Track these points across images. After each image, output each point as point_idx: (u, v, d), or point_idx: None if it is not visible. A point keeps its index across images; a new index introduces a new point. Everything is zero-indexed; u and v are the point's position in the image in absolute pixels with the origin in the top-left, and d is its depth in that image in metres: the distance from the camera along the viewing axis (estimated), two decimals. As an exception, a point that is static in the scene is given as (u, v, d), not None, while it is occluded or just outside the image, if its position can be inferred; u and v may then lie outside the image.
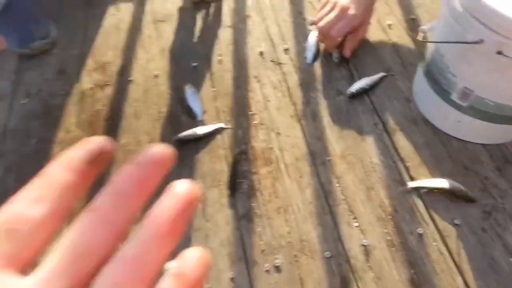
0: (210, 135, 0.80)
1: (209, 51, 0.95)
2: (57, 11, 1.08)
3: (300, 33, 0.96)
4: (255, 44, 0.95)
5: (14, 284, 0.13)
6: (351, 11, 0.81)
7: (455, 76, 0.65)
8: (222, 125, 0.81)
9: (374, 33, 0.93)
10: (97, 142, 0.16)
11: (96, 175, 0.15)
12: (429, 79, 0.73)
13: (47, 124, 0.87)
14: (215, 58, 0.93)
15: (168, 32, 1.01)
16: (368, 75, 0.84)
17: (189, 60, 0.94)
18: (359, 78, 0.85)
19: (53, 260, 0.13)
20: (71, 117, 0.87)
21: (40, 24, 0.97)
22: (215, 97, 0.87)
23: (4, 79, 0.96)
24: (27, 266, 0.13)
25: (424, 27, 0.69)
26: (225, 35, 0.98)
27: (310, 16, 0.99)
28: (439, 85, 0.70)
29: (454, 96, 0.68)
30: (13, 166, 0.81)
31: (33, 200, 0.14)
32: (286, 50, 0.93)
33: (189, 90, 0.85)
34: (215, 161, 0.77)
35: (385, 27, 0.94)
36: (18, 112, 0.90)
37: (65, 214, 0.14)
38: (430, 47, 0.71)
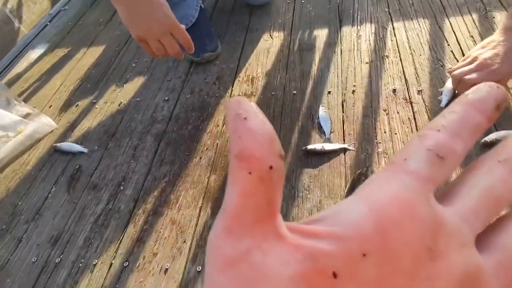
0: (334, 153, 0.89)
1: (344, 81, 1.06)
2: (224, 32, 1.35)
3: (437, 77, 0.99)
4: (389, 81, 1.02)
5: (440, 209, 0.14)
6: (493, 67, 0.82)
7: None
8: (346, 146, 0.89)
9: (519, 89, 0.91)
10: (503, 92, 0.16)
11: (493, 122, 0.16)
12: None
13: (202, 116, 1.08)
14: (349, 88, 1.04)
15: (310, 59, 1.16)
16: (509, 127, 0.83)
17: (325, 86, 1.06)
18: (496, 129, 0.84)
19: (471, 199, 0.15)
20: (220, 115, 1.07)
21: (212, 40, 1.23)
22: (344, 121, 0.96)
23: (177, 78, 1.22)
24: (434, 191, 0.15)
25: None
26: (362, 69, 1.08)
27: (449, 64, 1.02)
28: None
29: None
30: (172, 142, 1.03)
31: (454, 134, 0.15)
32: (419, 91, 0.97)
33: (321, 110, 0.97)
34: (335, 176, 0.85)
35: (534, 85, 0.91)
36: (182, 103, 1.14)
37: (466, 153, 0.15)
38: None
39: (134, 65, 1.32)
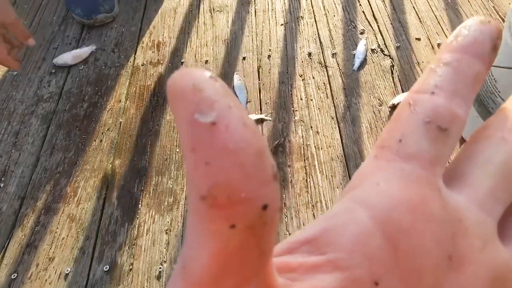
0: (251, 124, 0.83)
1: (260, 45, 0.99)
2: (121, -11, 1.15)
3: (350, 40, 0.98)
4: (305, 44, 0.98)
5: (454, 200, 0.12)
6: None
7: (504, 101, 0.66)
8: (263, 116, 0.84)
9: (423, 50, 0.94)
10: (497, 26, 0.13)
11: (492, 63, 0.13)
12: (476, 101, 0.74)
13: (100, 91, 0.93)
14: (265, 52, 0.97)
15: (222, 22, 1.05)
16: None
17: (239, 51, 0.98)
18: (403, 91, 0.86)
19: (486, 179, 0.13)
20: (122, 88, 0.93)
21: (106, -1, 1.04)
22: (260, 89, 0.90)
23: (66, 45, 1.02)
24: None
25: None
26: (277, 32, 1.01)
27: (361, 25, 1.01)
28: (486, 108, 0.70)
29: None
30: (64, 124, 0.87)
31: (451, 93, 0.12)
32: (334, 54, 0.95)
33: (236, 79, 0.89)
34: (253, 149, 0.80)
35: (435, 45, 0.95)
36: (74, 76, 0.96)
37: (468, 114, 0.13)
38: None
39: (6, 29, 1.07)
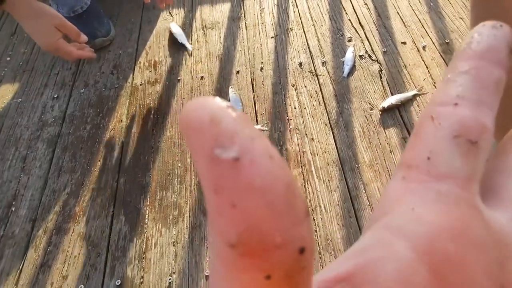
0: (248, 135, 0.87)
1: (252, 58, 1.03)
2: (116, 13, 1.20)
3: (338, 48, 1.02)
4: (295, 55, 1.02)
5: (496, 221, 0.11)
6: None
7: None
8: (260, 127, 0.87)
9: (409, 53, 0.98)
10: (509, 29, 0.12)
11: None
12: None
13: (101, 113, 0.96)
14: (257, 65, 1.01)
15: (215, 38, 1.09)
16: (401, 92, 0.89)
17: (232, 65, 1.02)
18: (392, 94, 0.90)
19: None
20: (122, 108, 0.96)
21: (102, 23, 1.08)
22: (255, 101, 0.94)
23: (67, 70, 1.06)
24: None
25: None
26: (268, 44, 1.05)
27: (348, 33, 1.05)
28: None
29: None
30: (69, 146, 0.91)
31: (476, 103, 0.11)
32: (323, 63, 0.99)
33: (231, 92, 0.93)
34: (251, 159, 0.83)
35: (420, 48, 0.99)
36: (76, 100, 1.00)
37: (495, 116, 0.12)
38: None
39: (8, 58, 1.11)
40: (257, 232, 0.07)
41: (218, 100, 0.08)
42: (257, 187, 0.07)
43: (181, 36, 1.05)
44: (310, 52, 1.02)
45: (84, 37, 0.88)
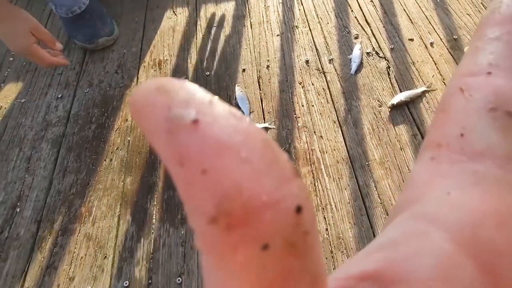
0: (256, 133, 0.85)
1: (258, 56, 1.02)
2: (119, 12, 1.19)
3: (345, 45, 1.01)
4: (301, 52, 1.01)
5: None
6: None
7: None
8: (267, 125, 0.86)
9: (417, 50, 0.97)
10: None
11: None
12: None
13: (106, 112, 0.95)
14: (263, 63, 1.00)
15: (220, 37, 1.08)
16: (409, 89, 0.88)
17: (238, 64, 1.01)
18: (400, 91, 0.89)
19: None
20: (127, 108, 0.95)
21: (105, 22, 1.07)
22: (262, 99, 0.93)
23: (70, 69, 1.05)
24: None
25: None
26: (273, 42, 1.04)
27: (354, 30, 1.04)
28: None
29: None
30: (74, 146, 0.89)
31: (511, 71, 0.10)
32: (330, 60, 0.98)
33: (238, 90, 0.92)
34: (259, 157, 0.82)
35: (428, 45, 0.98)
36: (81, 100, 0.99)
37: None
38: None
39: (11, 59, 1.10)
40: (238, 194, 0.06)
41: (163, 77, 0.07)
42: (226, 144, 0.06)
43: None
44: (317, 49, 1.01)
45: (59, 45, 0.85)
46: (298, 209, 0.06)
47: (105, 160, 0.86)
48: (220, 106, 0.07)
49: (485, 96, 0.10)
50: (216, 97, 0.07)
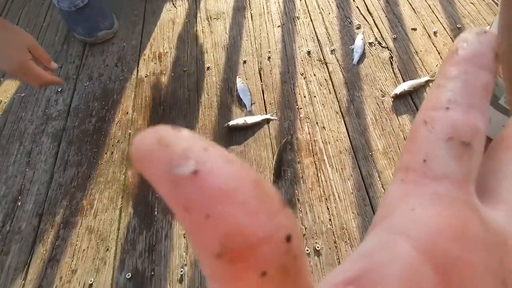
0: (258, 125, 0.85)
1: (259, 48, 1.01)
2: (119, 5, 1.18)
3: (347, 35, 1.00)
4: (303, 43, 1.00)
5: (493, 218, 0.11)
6: None
7: (504, 80, 0.67)
8: (269, 116, 0.85)
9: (420, 39, 0.96)
10: (493, 35, 0.13)
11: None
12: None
13: (106, 105, 0.95)
14: (264, 54, 0.99)
15: (220, 28, 1.07)
16: (413, 79, 0.87)
17: (239, 55, 1.00)
18: (403, 81, 0.88)
19: None
20: (128, 101, 0.95)
21: (105, 16, 1.06)
22: (263, 90, 0.92)
23: (70, 63, 1.05)
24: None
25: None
26: (274, 34, 1.03)
27: (356, 20, 1.03)
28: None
29: (502, 101, 0.70)
30: (74, 140, 0.89)
31: (467, 106, 0.12)
32: (332, 51, 0.97)
33: (239, 82, 0.91)
34: (261, 149, 0.82)
35: (431, 34, 0.96)
36: (81, 93, 0.98)
37: (487, 118, 0.12)
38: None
39: (11, 53, 1.09)
40: (238, 233, 0.07)
41: (161, 126, 0.08)
42: (224, 192, 0.07)
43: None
44: (318, 40, 1.00)
45: (54, 64, 0.81)
46: (288, 238, 0.08)
47: (106, 153, 0.86)
48: (214, 153, 0.08)
49: (443, 128, 0.12)
50: (211, 143, 0.08)
